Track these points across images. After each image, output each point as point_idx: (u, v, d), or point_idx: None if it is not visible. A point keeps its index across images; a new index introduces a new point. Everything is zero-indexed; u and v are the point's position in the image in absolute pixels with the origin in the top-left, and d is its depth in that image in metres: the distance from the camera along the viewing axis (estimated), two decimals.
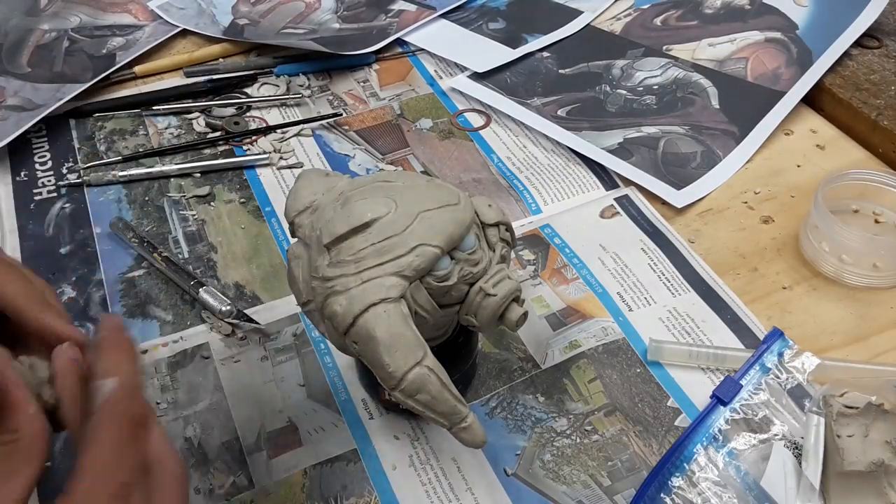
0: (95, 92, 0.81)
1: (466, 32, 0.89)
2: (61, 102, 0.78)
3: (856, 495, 0.47)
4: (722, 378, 0.54)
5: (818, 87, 0.77)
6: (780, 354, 0.55)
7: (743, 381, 0.53)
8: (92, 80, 0.81)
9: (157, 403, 0.55)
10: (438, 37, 0.88)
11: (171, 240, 0.67)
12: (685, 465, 0.50)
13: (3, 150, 0.74)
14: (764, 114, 0.75)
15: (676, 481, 0.49)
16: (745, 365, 0.54)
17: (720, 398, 0.52)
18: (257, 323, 0.59)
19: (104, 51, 0.85)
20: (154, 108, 0.80)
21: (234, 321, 0.59)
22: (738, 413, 0.52)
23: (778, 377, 0.54)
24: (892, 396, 0.49)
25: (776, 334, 0.56)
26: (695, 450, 0.50)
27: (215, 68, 0.85)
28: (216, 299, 0.60)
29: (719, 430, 0.51)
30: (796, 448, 0.50)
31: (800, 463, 0.49)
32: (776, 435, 0.51)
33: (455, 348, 0.50)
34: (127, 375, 0.35)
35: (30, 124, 0.75)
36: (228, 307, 0.59)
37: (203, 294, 0.60)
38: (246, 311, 0.60)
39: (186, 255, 0.65)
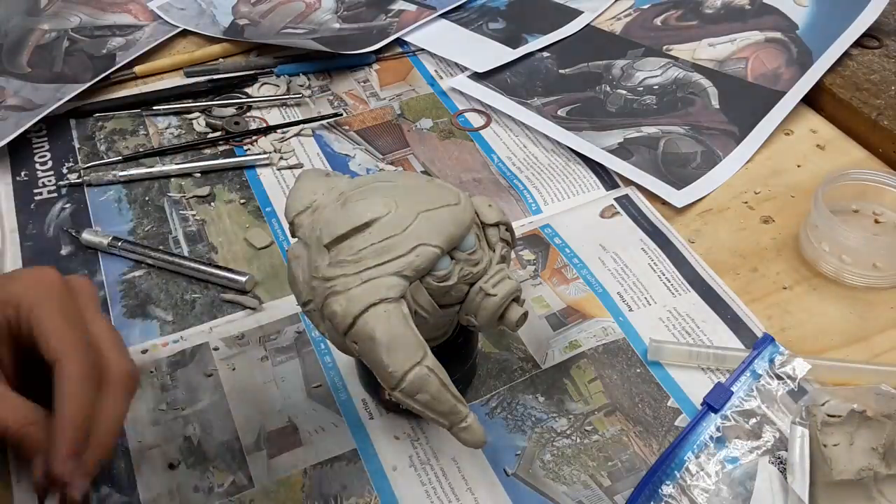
0: (95, 92, 0.81)
1: (466, 32, 0.89)
2: (61, 102, 0.78)
3: None
4: (722, 378, 0.54)
5: (818, 87, 0.77)
6: (771, 360, 0.55)
7: (734, 388, 0.53)
8: (92, 80, 0.81)
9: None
10: (438, 37, 0.88)
11: (171, 240, 0.67)
12: (676, 472, 0.49)
13: (3, 149, 0.74)
14: (764, 114, 0.75)
15: (667, 489, 0.49)
16: (736, 371, 0.54)
17: (711, 405, 0.52)
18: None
19: (104, 51, 0.85)
20: (154, 108, 0.80)
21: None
22: (730, 420, 0.52)
23: (769, 383, 0.54)
24: (874, 402, 0.48)
25: (767, 340, 0.55)
26: (686, 457, 0.50)
27: (215, 68, 0.85)
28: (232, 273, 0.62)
29: (710, 438, 0.51)
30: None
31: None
32: (768, 442, 0.51)
33: (455, 348, 0.50)
34: None
35: (30, 124, 0.75)
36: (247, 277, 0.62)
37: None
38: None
39: (187, 255, 0.65)
